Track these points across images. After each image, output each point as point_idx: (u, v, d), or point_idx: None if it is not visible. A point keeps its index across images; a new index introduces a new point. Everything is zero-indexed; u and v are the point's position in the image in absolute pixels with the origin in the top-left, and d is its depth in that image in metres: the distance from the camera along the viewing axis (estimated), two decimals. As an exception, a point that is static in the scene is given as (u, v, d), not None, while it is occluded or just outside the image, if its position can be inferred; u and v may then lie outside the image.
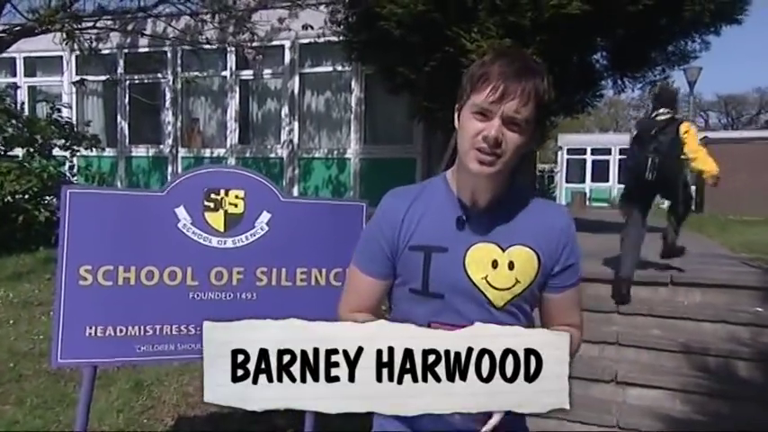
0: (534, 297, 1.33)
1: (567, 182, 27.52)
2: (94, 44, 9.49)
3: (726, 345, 3.95)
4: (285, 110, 10.08)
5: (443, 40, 6.70)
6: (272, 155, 10.24)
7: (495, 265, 1.27)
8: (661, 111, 5.17)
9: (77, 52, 10.38)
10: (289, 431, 3.22)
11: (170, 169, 10.74)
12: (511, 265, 1.27)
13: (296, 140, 10.06)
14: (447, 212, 1.32)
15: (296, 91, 10.01)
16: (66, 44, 8.91)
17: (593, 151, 28.76)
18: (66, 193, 2.32)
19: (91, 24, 9.06)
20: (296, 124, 10.05)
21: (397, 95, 8.13)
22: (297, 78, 10.01)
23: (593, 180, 27.84)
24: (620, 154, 28.99)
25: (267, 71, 10.27)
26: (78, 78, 10.21)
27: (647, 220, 4.83)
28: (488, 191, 1.28)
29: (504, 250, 1.28)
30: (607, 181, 28.18)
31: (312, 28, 9.08)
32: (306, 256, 2.60)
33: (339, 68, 9.80)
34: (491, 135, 1.18)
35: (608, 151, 29.13)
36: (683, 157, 4.88)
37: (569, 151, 28.34)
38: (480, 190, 1.28)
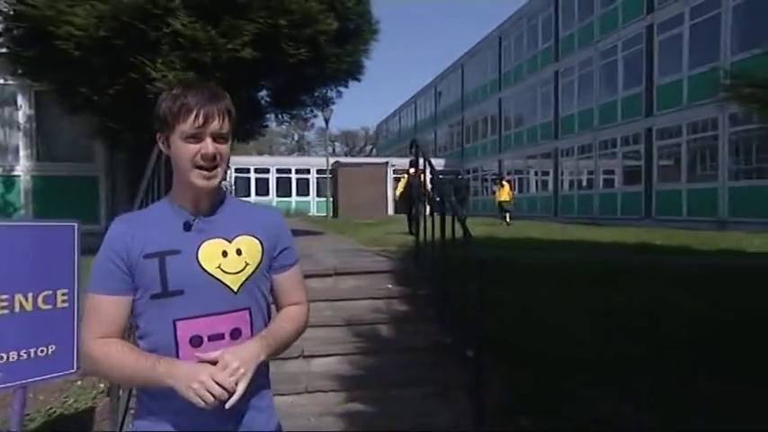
0: (266, 280, 1.35)
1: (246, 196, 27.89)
2: None
3: (372, 314, 4.48)
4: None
5: (127, 65, 6.04)
6: None
7: (224, 254, 1.27)
8: None
9: None
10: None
11: None
12: (239, 252, 1.28)
13: (-50, 156, 7.68)
14: (174, 222, 1.28)
15: (-52, 101, 7.64)
16: None
17: (256, 170, 29.66)
18: None
19: None
20: (-51, 138, 7.67)
21: (76, 114, 6.93)
22: (-49, 88, 7.64)
23: (257, 194, 28.73)
24: (277, 173, 30.79)
25: None
26: None
27: None
28: (208, 198, 1.30)
29: (230, 241, 1.29)
30: (268, 195, 29.41)
31: (-33, 33, 7.05)
32: (6, 282, 2.06)
33: (2, 81, 7.85)
34: (209, 152, 1.22)
35: (267, 170, 30.45)
36: None
37: (237, 170, 28.73)
38: (202, 199, 1.29)
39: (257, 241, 1.31)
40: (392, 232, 10.56)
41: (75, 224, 2.25)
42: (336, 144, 57.87)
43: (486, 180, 29.86)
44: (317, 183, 30.86)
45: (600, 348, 4.03)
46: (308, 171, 31.34)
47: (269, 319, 1.36)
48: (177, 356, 1.21)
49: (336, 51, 7.97)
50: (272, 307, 1.42)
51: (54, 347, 2.15)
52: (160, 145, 1.30)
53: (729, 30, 14.29)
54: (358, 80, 9.31)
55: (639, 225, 15.77)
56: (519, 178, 26.39)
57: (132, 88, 6.13)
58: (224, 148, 1.26)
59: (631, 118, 18.02)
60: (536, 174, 24.93)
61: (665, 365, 3.74)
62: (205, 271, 1.23)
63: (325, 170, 25.06)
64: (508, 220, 16.72)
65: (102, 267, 1.24)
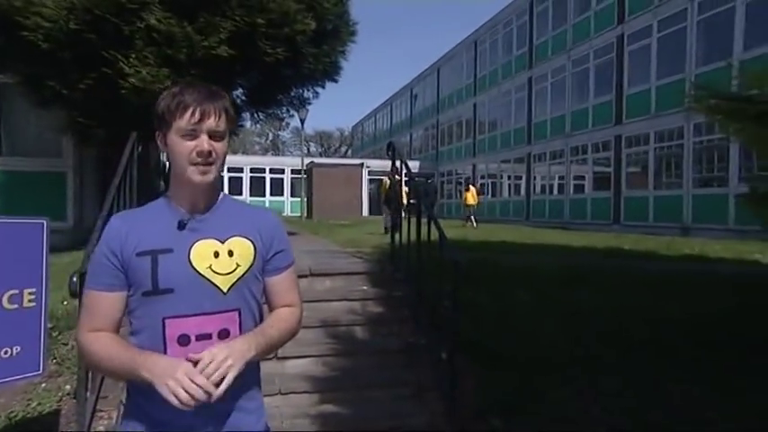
0: (258, 281, 1.34)
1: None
2: None
3: (347, 316, 4.47)
4: None
5: (99, 60, 5.88)
6: None
7: (216, 255, 1.27)
8: None
9: None
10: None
11: None
12: (230, 253, 1.29)
13: None
14: (169, 220, 1.28)
15: None
16: None
17: (229, 169, 29.24)
18: None
19: None
20: None
21: (45, 109, 6.71)
22: None
23: (230, 194, 28.27)
24: (251, 172, 30.43)
25: None
26: None
27: None
28: (204, 197, 1.30)
29: (223, 242, 1.29)
30: (241, 194, 29.04)
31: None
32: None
33: (-37, 72, 7.54)
34: (204, 148, 1.23)
35: (240, 170, 30.07)
36: None
37: (209, 169, 28.25)
38: (198, 197, 1.29)
39: (250, 243, 1.31)
40: (367, 233, 10.54)
41: (45, 221, 2.18)
42: (311, 144, 57.62)
43: (461, 184, 30.15)
44: (292, 183, 30.63)
45: (571, 350, 4.10)
46: (282, 171, 31.07)
47: (260, 320, 1.36)
48: (165, 354, 1.21)
49: (314, 51, 7.94)
50: (265, 308, 1.41)
51: (19, 348, 2.08)
52: (158, 143, 1.30)
53: (695, 43, 14.78)
54: (335, 81, 9.30)
55: (608, 230, 16.14)
56: (492, 182, 26.71)
57: (104, 83, 5.98)
58: (220, 145, 1.27)
59: (602, 125, 18.46)
60: (509, 178, 25.28)
61: (633, 366, 3.83)
62: (196, 271, 1.24)
63: (300, 170, 24.90)
64: (473, 221, 17.60)
65: (97, 263, 1.26)
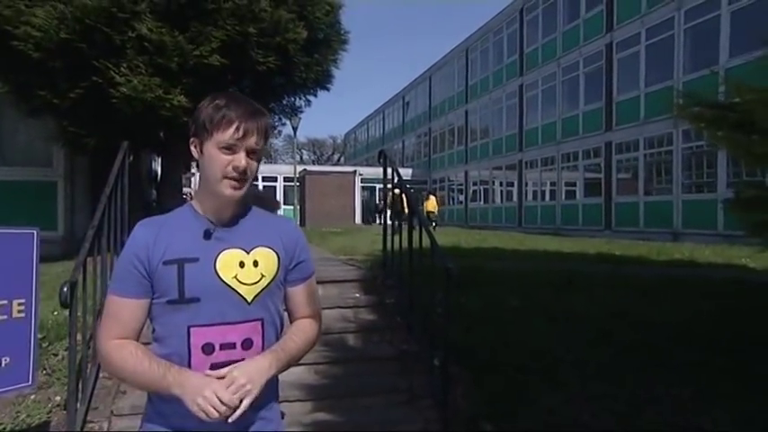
0: (280, 291, 1.36)
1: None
2: None
3: (340, 324, 4.47)
4: None
5: (90, 69, 5.87)
6: None
7: (242, 265, 1.29)
8: None
9: None
10: None
11: None
12: (255, 263, 1.30)
13: None
14: (195, 229, 1.29)
15: None
16: None
17: (222, 178, 29.17)
18: None
19: None
20: None
21: (35, 118, 6.67)
22: None
23: (222, 202, 28.15)
24: (243, 181, 30.32)
25: None
26: None
27: None
28: (231, 208, 1.32)
29: (248, 252, 1.30)
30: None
31: None
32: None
33: (-48, 81, 7.47)
34: (242, 165, 1.25)
35: (233, 178, 29.97)
36: None
37: (201, 177, 28.17)
38: (225, 208, 1.31)
39: (274, 254, 1.33)
40: (360, 241, 10.53)
41: (35, 231, 2.17)
42: (304, 152, 57.66)
43: (453, 190, 30.29)
44: (284, 190, 30.56)
45: (563, 355, 4.11)
46: (275, 179, 30.99)
47: (281, 330, 1.37)
48: (189, 362, 1.23)
49: (305, 60, 7.97)
50: (285, 315, 1.42)
51: (8, 360, 2.07)
52: (192, 149, 1.31)
53: (682, 50, 14.98)
54: (327, 89, 9.33)
55: (600, 236, 16.24)
56: (484, 189, 26.82)
57: (95, 92, 5.97)
58: (255, 164, 1.29)
59: (592, 132, 18.62)
60: (501, 184, 25.40)
61: (625, 371, 3.85)
62: (222, 280, 1.26)
63: (293, 178, 24.86)
64: (434, 227, 18.38)
65: (124, 270, 1.27)
